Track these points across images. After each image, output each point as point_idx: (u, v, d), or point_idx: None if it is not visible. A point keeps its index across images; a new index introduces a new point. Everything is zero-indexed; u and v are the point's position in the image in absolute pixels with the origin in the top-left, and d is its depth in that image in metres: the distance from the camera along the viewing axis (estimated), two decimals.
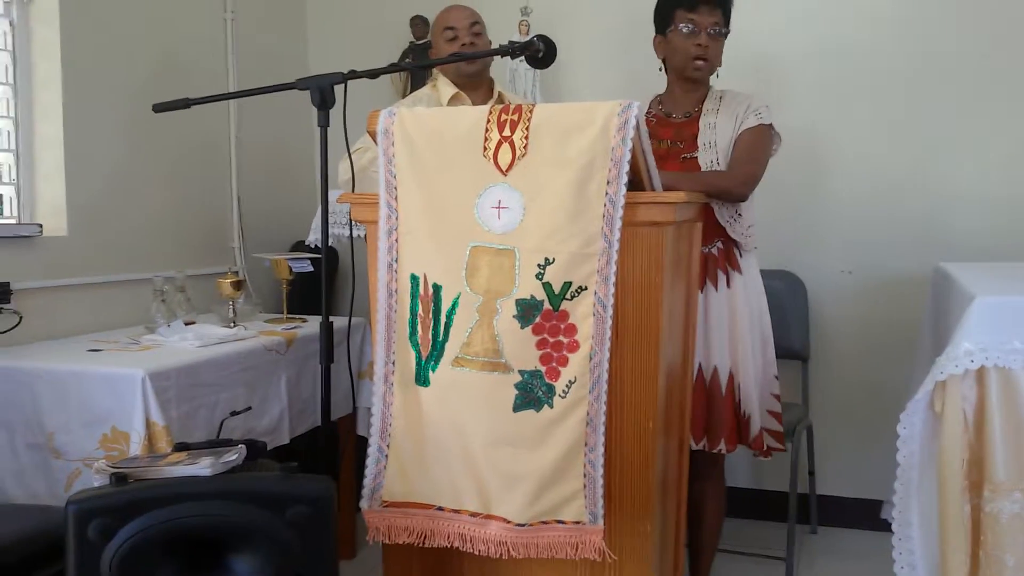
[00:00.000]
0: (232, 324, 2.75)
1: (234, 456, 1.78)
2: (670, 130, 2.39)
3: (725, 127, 2.34)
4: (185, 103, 2.18)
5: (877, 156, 3.18)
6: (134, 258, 2.92)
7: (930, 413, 1.94)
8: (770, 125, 2.36)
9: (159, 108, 2.21)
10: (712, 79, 2.43)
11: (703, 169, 2.32)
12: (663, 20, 2.38)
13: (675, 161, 2.32)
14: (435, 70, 2.85)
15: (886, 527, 2.10)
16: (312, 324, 2.86)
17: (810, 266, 3.25)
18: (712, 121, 2.35)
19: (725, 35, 2.37)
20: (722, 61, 2.40)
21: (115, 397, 2.16)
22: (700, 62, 2.33)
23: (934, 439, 1.95)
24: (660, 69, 2.43)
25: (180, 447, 1.91)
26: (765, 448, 2.40)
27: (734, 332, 2.35)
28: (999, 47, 3.04)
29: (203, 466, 1.72)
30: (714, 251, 2.35)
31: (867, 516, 3.09)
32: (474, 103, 2.65)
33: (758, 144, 2.34)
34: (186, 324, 2.64)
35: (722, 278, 2.35)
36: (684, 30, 2.32)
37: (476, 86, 2.71)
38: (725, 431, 2.34)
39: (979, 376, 1.88)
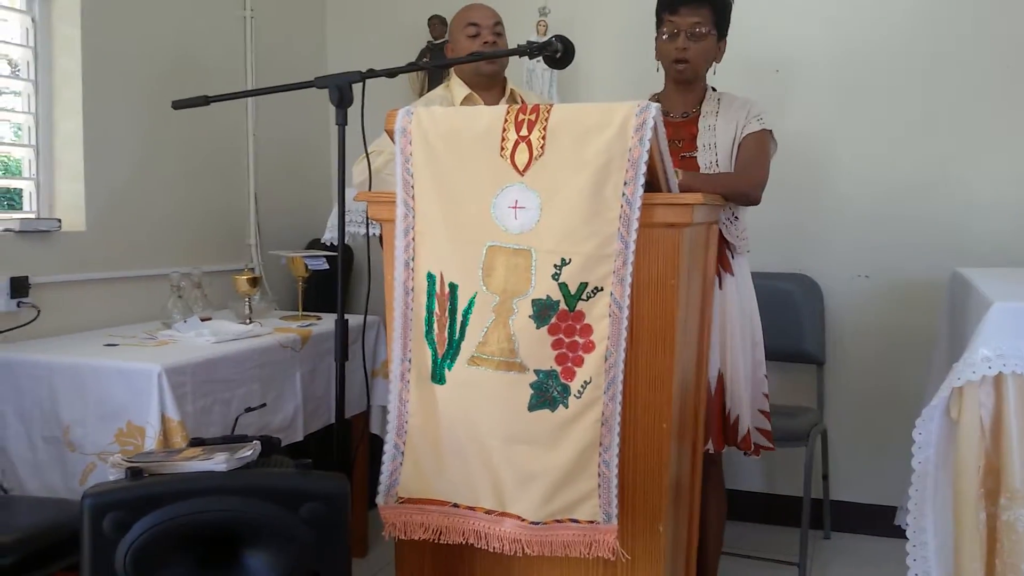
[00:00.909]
0: (248, 321, 2.76)
1: (249, 452, 1.78)
2: (668, 129, 2.37)
3: (725, 130, 2.35)
4: (204, 100, 2.19)
5: (895, 159, 3.16)
6: (151, 254, 2.94)
7: (946, 419, 1.93)
8: (771, 131, 2.36)
9: (178, 105, 2.22)
10: (710, 78, 2.43)
11: (701, 170, 2.33)
12: (657, 22, 2.40)
13: (674, 160, 2.32)
14: (450, 70, 2.85)
15: (900, 534, 2.09)
16: (327, 322, 2.87)
17: (826, 270, 3.24)
18: (711, 123, 2.36)
19: (716, 35, 2.36)
20: (720, 59, 2.41)
21: (131, 392, 2.17)
22: (680, 65, 2.34)
23: (950, 446, 1.94)
24: (657, 70, 2.44)
25: (195, 442, 1.92)
26: (754, 447, 2.40)
27: (725, 333, 2.34)
28: (1020, 50, 3.01)
29: (218, 461, 1.73)
30: None
31: (881, 522, 3.07)
32: (487, 103, 2.64)
33: (763, 148, 2.36)
34: (202, 320, 2.65)
35: (715, 279, 2.34)
36: (666, 33, 2.34)
37: (490, 86, 2.70)
38: (712, 431, 2.33)
39: (997, 383, 1.87)
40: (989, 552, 1.91)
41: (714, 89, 2.44)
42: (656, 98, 2.46)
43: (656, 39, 2.41)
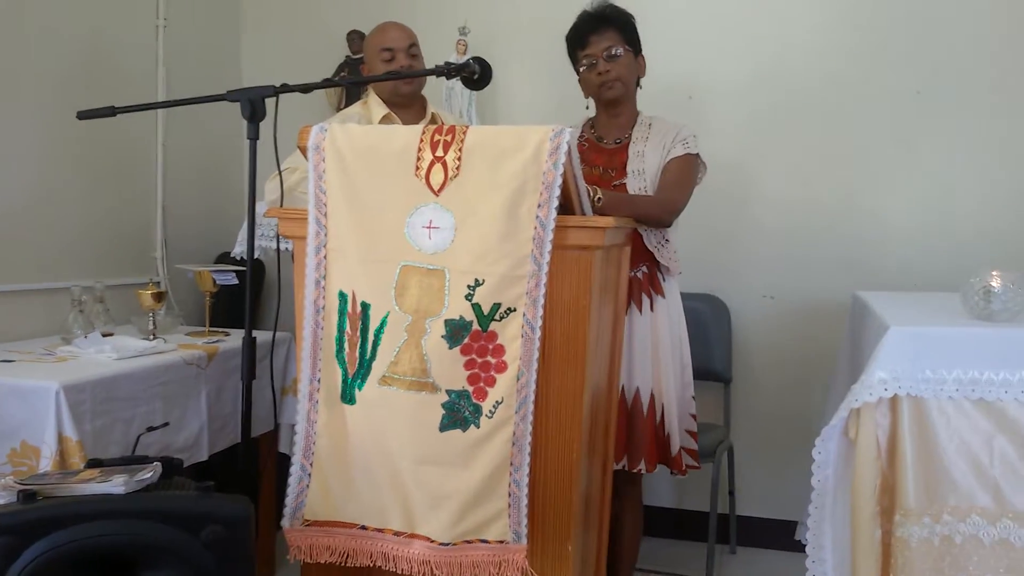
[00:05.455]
0: (152, 337, 2.68)
1: (149, 474, 1.73)
2: (602, 156, 2.43)
3: (653, 155, 2.39)
4: (111, 111, 2.12)
5: (803, 183, 3.25)
6: (52, 266, 2.83)
7: (844, 439, 2.00)
8: (697, 155, 2.41)
9: (83, 115, 2.14)
10: (640, 102, 2.48)
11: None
12: (573, 62, 2.46)
13: (606, 187, 2.35)
14: (368, 87, 2.82)
15: (803, 548, 2.15)
16: (235, 338, 2.81)
17: (734, 290, 3.31)
18: (641, 149, 2.40)
19: (632, 52, 2.42)
20: (644, 73, 2.48)
21: (27, 410, 2.09)
22: (606, 85, 2.40)
23: (848, 465, 2.00)
24: (587, 107, 2.49)
25: (93, 463, 1.85)
26: (683, 467, 2.44)
27: (656, 354, 2.39)
28: (930, 83, 3.12)
29: (116, 484, 1.68)
30: (639, 275, 2.39)
31: (784, 537, 3.15)
32: (406, 123, 2.63)
33: (684, 173, 2.39)
34: (104, 335, 2.57)
35: (646, 301, 2.39)
36: (584, 65, 2.40)
37: (409, 105, 2.69)
38: (645, 451, 2.37)
39: (892, 404, 1.94)
40: (884, 568, 1.97)
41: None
42: (591, 123, 2.50)
43: (579, 78, 2.45)
